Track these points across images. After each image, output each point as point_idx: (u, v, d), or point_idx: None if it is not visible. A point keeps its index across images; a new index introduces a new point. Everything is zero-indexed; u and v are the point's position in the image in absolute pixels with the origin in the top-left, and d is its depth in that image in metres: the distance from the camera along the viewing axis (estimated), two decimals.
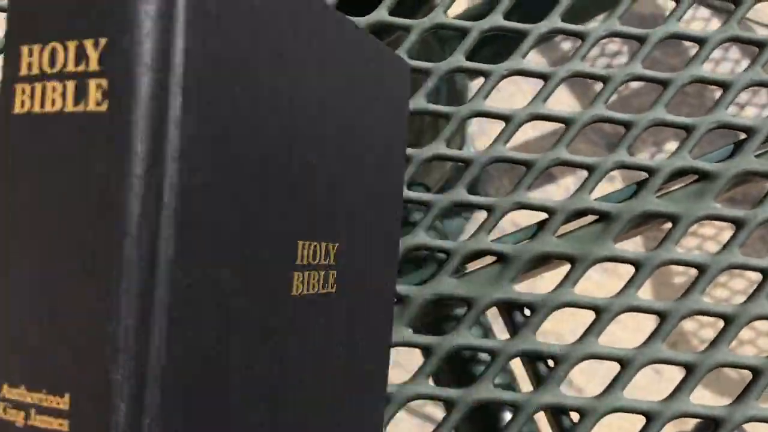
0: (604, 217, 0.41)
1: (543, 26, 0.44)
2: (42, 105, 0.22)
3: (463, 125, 0.70)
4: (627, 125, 0.42)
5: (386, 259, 0.33)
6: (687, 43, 1.22)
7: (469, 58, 0.45)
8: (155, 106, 0.20)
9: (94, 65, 0.21)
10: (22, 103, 0.22)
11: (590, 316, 1.14)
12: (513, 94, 1.20)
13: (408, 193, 0.41)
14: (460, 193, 0.42)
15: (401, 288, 0.41)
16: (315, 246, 0.27)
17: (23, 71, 0.22)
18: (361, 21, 0.44)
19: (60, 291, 0.21)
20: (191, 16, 0.21)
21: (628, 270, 1.13)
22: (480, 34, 0.44)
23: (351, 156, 0.28)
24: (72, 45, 0.21)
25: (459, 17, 0.48)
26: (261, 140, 0.23)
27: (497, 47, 0.64)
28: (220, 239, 0.22)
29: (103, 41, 0.21)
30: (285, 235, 0.25)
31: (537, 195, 1.09)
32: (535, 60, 1.22)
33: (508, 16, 0.45)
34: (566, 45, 1.24)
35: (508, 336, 0.41)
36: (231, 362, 0.23)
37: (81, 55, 0.21)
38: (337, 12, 0.27)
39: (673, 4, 0.43)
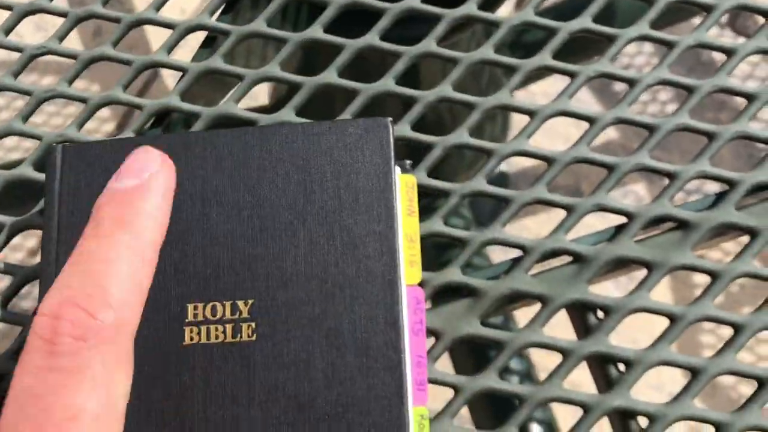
0: (683, 225, 0.41)
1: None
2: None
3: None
4: (710, 136, 0.42)
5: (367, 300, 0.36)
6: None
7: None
8: None
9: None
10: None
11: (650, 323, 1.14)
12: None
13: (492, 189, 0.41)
14: (541, 191, 0.42)
15: (474, 281, 0.41)
16: (214, 305, 0.35)
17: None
18: (411, 50, 0.44)
19: None
20: None
21: (699, 279, 1.11)
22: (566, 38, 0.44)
23: (269, 231, 0.36)
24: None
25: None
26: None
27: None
28: None
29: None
30: (173, 298, 0.35)
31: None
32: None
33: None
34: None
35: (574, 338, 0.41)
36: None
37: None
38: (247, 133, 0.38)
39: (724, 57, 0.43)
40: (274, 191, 0.37)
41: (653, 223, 0.42)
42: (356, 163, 0.37)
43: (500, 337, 0.40)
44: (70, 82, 0.45)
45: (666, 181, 0.42)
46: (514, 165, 1.22)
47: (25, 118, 0.44)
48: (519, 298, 0.41)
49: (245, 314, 0.35)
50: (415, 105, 0.43)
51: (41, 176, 0.43)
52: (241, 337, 0.35)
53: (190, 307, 0.35)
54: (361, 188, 0.37)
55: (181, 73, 0.45)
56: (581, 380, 0.56)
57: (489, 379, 0.39)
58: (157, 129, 0.45)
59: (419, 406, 0.35)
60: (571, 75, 0.44)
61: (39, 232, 0.41)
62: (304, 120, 0.43)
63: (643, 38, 0.45)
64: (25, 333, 0.40)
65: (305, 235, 0.36)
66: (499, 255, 1.01)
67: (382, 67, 0.44)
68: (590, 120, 0.43)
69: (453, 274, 0.41)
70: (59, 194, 0.37)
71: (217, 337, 0.35)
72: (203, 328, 0.35)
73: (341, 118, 0.40)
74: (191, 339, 0.35)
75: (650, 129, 0.43)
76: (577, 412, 0.39)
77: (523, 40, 0.69)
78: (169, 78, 1.27)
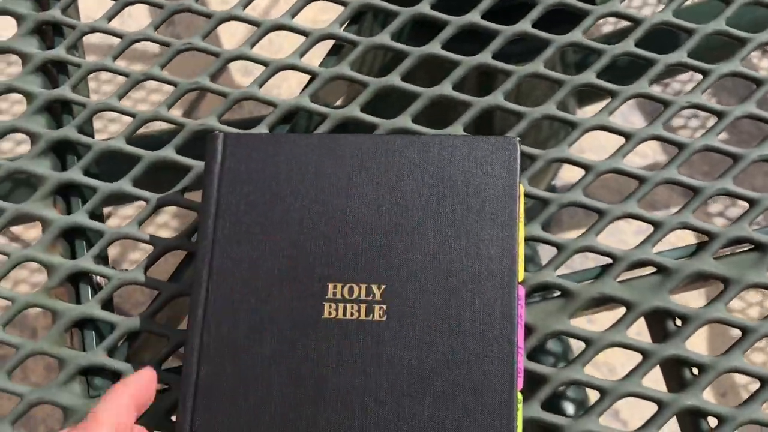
0: (760, 247, 0.46)
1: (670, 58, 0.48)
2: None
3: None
4: None
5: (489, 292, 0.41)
6: None
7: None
8: None
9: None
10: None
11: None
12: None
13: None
14: (632, 206, 0.46)
15: (567, 283, 0.45)
16: (351, 286, 0.40)
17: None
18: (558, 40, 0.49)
19: None
20: None
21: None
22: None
23: (404, 228, 0.41)
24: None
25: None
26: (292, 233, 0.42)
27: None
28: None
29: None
30: (315, 277, 0.41)
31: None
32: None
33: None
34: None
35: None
36: (264, 350, 0.40)
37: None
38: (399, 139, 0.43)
39: None
40: (410, 192, 0.42)
41: (732, 243, 0.46)
42: (485, 175, 0.42)
43: (588, 335, 0.44)
44: (212, 77, 0.50)
45: (747, 205, 0.47)
46: (559, 178, 1.26)
47: (169, 106, 0.50)
48: (606, 301, 0.45)
49: (378, 297, 0.40)
50: (521, 121, 0.48)
51: (182, 158, 0.48)
52: (373, 316, 0.40)
53: (330, 286, 0.41)
54: (488, 197, 0.41)
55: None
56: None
57: (576, 372, 0.44)
58: (285, 126, 0.50)
59: (518, 391, 0.40)
60: (664, 103, 0.48)
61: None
62: (420, 127, 0.48)
63: None
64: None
65: (435, 233, 0.41)
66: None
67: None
68: (680, 146, 0.47)
69: (548, 275, 0.45)
70: (219, 178, 0.42)
71: (352, 314, 0.40)
72: (340, 305, 0.40)
73: (472, 135, 0.44)
74: (329, 314, 0.40)
75: (735, 158, 0.47)
76: (644, 409, 0.44)
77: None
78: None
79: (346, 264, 0.41)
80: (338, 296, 0.40)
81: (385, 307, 0.40)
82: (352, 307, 0.40)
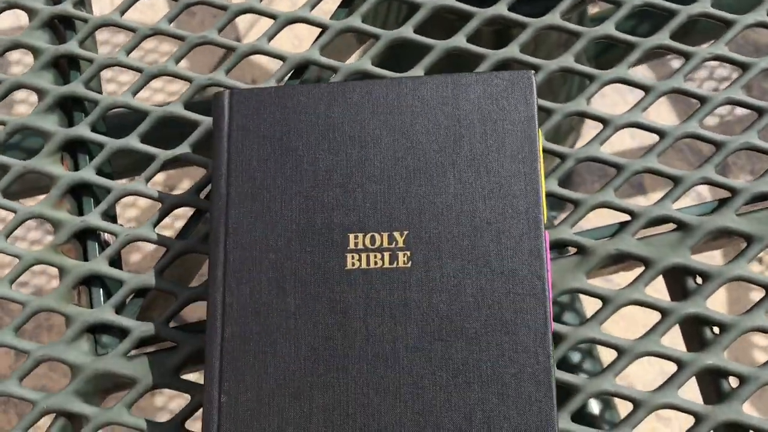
0: None
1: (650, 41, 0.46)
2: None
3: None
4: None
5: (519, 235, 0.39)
6: None
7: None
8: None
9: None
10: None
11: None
12: (616, 102, 1.22)
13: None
14: (651, 161, 0.45)
15: (583, 239, 0.44)
16: (372, 235, 0.39)
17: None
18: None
19: None
20: None
21: None
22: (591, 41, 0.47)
23: (421, 172, 0.40)
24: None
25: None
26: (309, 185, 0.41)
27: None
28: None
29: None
30: (336, 228, 0.40)
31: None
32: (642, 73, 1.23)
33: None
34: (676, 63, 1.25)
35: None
36: (288, 306, 0.39)
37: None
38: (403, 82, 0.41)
39: None
40: (426, 135, 0.40)
41: (756, 200, 0.44)
42: (502, 111, 0.40)
43: (605, 293, 0.43)
44: (220, 30, 0.49)
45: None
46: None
47: (177, 60, 0.49)
48: (624, 258, 0.44)
49: (401, 244, 0.39)
50: (538, 73, 0.46)
51: (190, 114, 0.47)
52: (397, 264, 0.39)
53: (351, 236, 0.40)
54: (507, 134, 0.40)
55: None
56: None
57: (593, 331, 0.43)
58: (296, 81, 0.48)
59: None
60: (686, 56, 0.47)
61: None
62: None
63: None
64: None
65: (455, 175, 0.40)
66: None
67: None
68: (701, 99, 0.46)
69: (564, 231, 0.44)
70: (228, 135, 0.41)
71: (376, 263, 0.39)
72: (363, 255, 0.39)
73: (486, 71, 0.43)
74: (353, 264, 0.39)
75: (759, 112, 0.45)
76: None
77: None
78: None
79: (366, 213, 0.40)
80: (360, 246, 0.40)
81: (408, 253, 0.39)
82: (376, 256, 0.39)
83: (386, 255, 0.39)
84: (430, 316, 0.39)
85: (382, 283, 0.39)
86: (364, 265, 0.39)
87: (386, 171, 0.40)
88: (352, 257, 0.40)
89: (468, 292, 0.39)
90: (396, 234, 0.40)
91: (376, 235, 0.40)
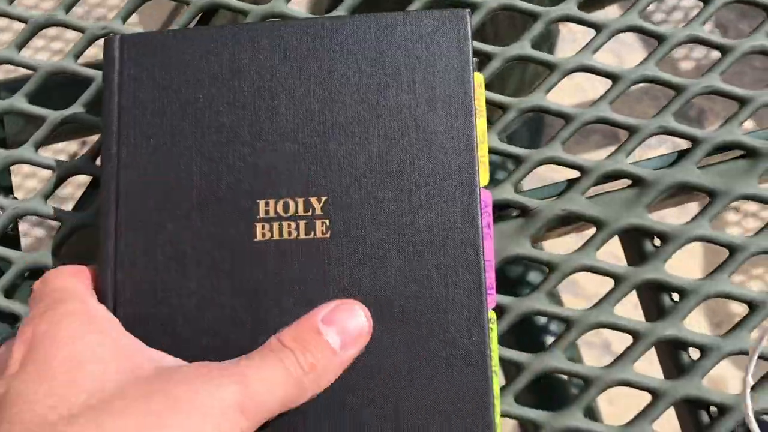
0: (751, 153, 0.39)
1: None
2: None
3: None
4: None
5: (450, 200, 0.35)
6: None
7: None
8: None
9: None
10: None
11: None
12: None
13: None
14: (604, 109, 0.40)
15: (526, 200, 0.39)
16: (286, 201, 0.34)
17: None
18: None
19: None
20: None
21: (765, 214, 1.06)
22: None
23: (339, 129, 0.35)
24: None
25: None
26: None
27: None
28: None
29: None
30: (243, 194, 0.35)
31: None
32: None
33: None
34: None
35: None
36: (189, 286, 0.34)
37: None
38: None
39: None
40: (346, 85, 0.35)
41: (719, 150, 0.40)
42: (432, 56, 0.35)
43: (552, 259, 0.39)
44: None
45: (737, 106, 0.40)
46: None
47: (68, 8, 0.43)
48: (573, 220, 0.40)
49: (318, 211, 0.35)
50: (476, 11, 0.41)
51: (83, 69, 0.41)
52: (315, 234, 0.34)
53: (261, 203, 0.35)
54: (437, 82, 0.35)
55: None
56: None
57: (539, 302, 0.38)
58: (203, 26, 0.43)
59: (489, 309, 0.35)
60: None
61: None
62: None
63: None
64: None
65: (379, 130, 0.35)
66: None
67: None
68: (659, 37, 0.41)
69: (506, 191, 0.39)
70: (119, 88, 0.36)
71: (290, 233, 0.34)
72: (275, 225, 0.34)
73: (415, 9, 0.37)
74: (263, 236, 0.34)
75: (722, 50, 0.40)
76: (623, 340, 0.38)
77: None
78: None
79: (278, 176, 0.35)
80: (271, 214, 0.35)
81: (327, 222, 0.34)
82: (289, 226, 0.34)
83: (302, 224, 0.35)
84: (352, 294, 0.34)
85: (297, 256, 0.34)
86: (276, 237, 0.34)
87: (300, 127, 0.35)
88: (262, 227, 0.35)
89: (394, 265, 0.34)
90: (313, 200, 0.35)
91: (290, 201, 0.35)
